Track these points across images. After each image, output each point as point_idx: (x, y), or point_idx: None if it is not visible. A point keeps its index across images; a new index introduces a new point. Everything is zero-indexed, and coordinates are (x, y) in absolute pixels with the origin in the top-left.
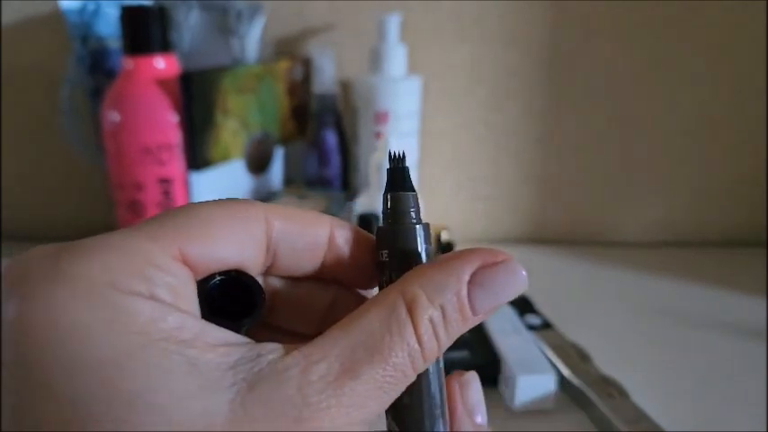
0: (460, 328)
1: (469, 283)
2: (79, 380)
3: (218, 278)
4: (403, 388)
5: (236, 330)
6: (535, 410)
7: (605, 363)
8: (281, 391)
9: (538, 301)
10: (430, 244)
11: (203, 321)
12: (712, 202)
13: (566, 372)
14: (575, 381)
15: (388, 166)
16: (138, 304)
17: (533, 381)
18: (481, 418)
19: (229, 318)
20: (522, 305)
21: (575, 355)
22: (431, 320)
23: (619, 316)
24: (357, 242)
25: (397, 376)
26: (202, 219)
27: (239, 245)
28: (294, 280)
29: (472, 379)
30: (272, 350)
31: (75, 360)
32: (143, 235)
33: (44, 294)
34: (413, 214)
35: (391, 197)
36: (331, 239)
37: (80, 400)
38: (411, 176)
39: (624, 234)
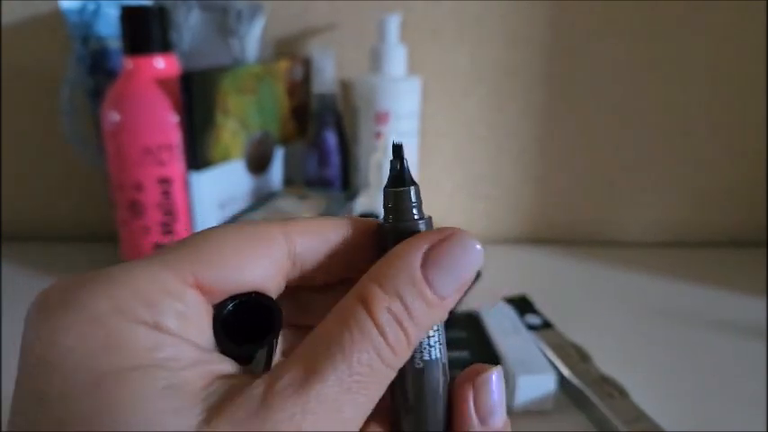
0: (429, 314)
1: (423, 266)
2: (68, 400)
3: (233, 303)
4: (380, 387)
5: (252, 352)
6: (535, 410)
7: (605, 363)
8: (246, 405)
9: (538, 301)
10: None
11: (201, 350)
12: (712, 203)
13: (565, 372)
14: (574, 381)
15: (390, 159)
16: (138, 332)
17: (533, 381)
18: (497, 419)
19: (247, 340)
20: (522, 305)
21: (575, 355)
22: (390, 311)
23: (619, 316)
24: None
25: (366, 373)
26: (216, 243)
27: (255, 266)
28: (328, 287)
29: (486, 381)
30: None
31: (66, 380)
32: (156, 262)
33: (53, 320)
34: (414, 210)
35: (391, 193)
36: (352, 240)
37: (67, 419)
38: (410, 169)
39: (624, 234)
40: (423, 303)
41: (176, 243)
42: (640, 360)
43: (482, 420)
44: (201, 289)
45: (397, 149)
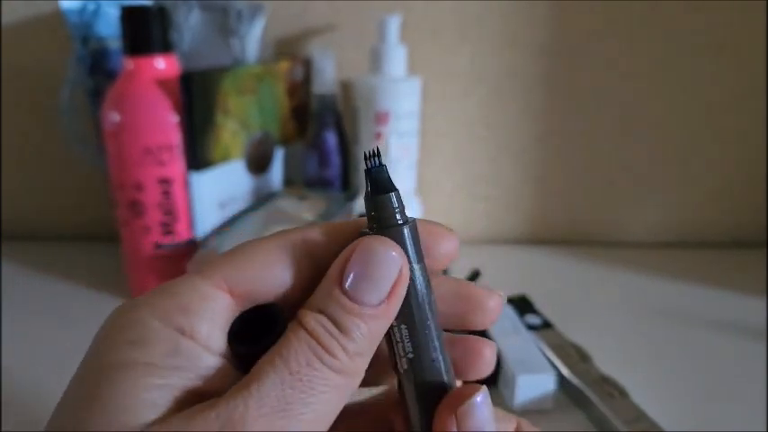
0: (360, 322)
1: (341, 280)
2: (74, 382)
3: (244, 312)
4: (335, 392)
5: (253, 354)
6: (535, 410)
7: (605, 363)
8: (196, 408)
9: (538, 301)
10: (418, 242)
11: (216, 359)
12: (713, 203)
13: (565, 371)
14: (574, 380)
15: (365, 168)
16: (165, 335)
17: (533, 380)
18: None
19: (253, 346)
20: (522, 305)
21: (575, 355)
22: (318, 323)
23: (619, 316)
24: None
25: (307, 372)
26: (249, 255)
27: (280, 277)
28: None
29: (468, 410)
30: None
31: (82, 366)
32: (197, 273)
33: (103, 336)
34: (397, 215)
35: (372, 201)
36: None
37: (63, 400)
38: (389, 173)
39: (625, 234)
40: (345, 312)
41: (218, 257)
42: (640, 360)
43: None
44: (233, 295)
45: (375, 154)
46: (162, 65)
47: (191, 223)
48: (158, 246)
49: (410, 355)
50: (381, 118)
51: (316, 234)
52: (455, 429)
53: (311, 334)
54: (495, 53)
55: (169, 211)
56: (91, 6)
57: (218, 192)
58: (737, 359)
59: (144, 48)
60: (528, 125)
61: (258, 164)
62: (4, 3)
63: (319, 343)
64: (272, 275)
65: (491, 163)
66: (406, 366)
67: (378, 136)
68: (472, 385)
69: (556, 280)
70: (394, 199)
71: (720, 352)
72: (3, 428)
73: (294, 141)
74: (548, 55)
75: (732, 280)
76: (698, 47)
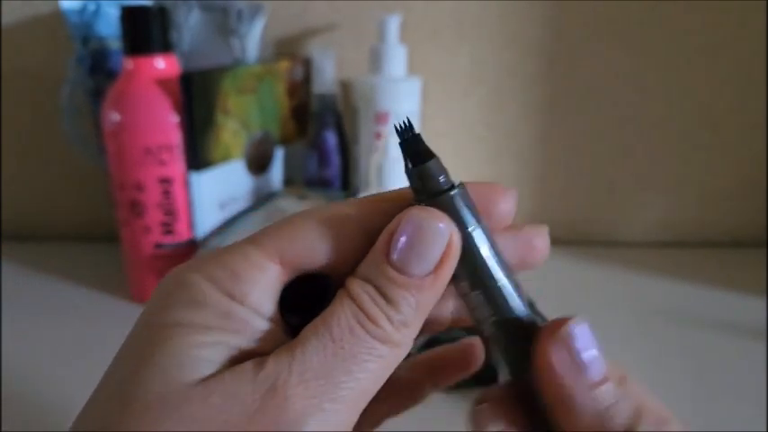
0: (408, 295)
1: (388, 251)
2: (129, 339)
3: (295, 281)
4: (380, 363)
5: (304, 321)
6: None
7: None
8: (240, 368)
9: (538, 301)
10: (472, 205)
11: (267, 324)
12: (713, 203)
13: None
14: None
15: (399, 141)
16: (217, 298)
17: None
18: (593, 373)
19: (304, 315)
20: None
21: None
22: (364, 290)
23: (619, 316)
24: None
25: (349, 339)
26: (299, 225)
27: (327, 243)
28: None
29: (565, 338)
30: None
31: (137, 327)
32: (247, 241)
33: (157, 299)
34: (441, 181)
35: (413, 173)
36: None
37: (119, 355)
38: (424, 141)
39: (624, 234)
40: (391, 284)
41: (268, 226)
42: (640, 360)
43: (573, 381)
44: (282, 264)
45: (408, 125)
46: (162, 65)
47: (191, 223)
48: (158, 246)
49: (492, 318)
50: (381, 118)
51: (365, 205)
52: (561, 355)
53: (356, 301)
54: (494, 53)
55: (169, 211)
56: (91, 6)
57: (218, 192)
58: (737, 359)
59: (144, 48)
60: (528, 125)
61: (258, 164)
62: (3, 3)
63: (363, 311)
64: (322, 246)
65: (491, 163)
66: (492, 329)
67: (378, 136)
68: (563, 317)
69: (556, 280)
70: (435, 166)
71: (720, 352)
72: (3, 428)
73: (294, 141)
74: (548, 55)
75: (732, 280)
76: (697, 47)
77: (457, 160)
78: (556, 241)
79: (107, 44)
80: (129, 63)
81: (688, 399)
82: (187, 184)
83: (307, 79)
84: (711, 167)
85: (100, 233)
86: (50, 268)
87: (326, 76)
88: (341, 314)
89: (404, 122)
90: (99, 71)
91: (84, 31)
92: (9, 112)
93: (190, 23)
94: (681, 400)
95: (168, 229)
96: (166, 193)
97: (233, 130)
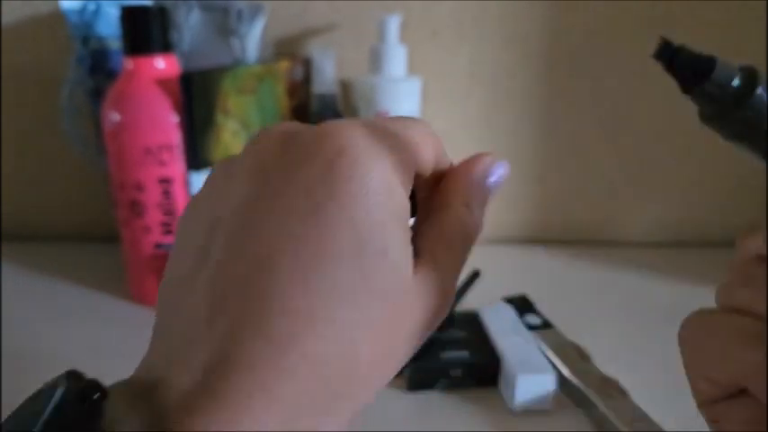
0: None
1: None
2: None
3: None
4: (467, 238)
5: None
6: (535, 410)
7: (605, 363)
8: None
9: (538, 301)
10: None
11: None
12: (713, 203)
13: (565, 372)
14: (574, 381)
15: (666, 63)
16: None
17: (533, 380)
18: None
19: None
20: (522, 305)
21: (575, 355)
22: (464, 204)
23: (619, 316)
24: None
25: (459, 218)
26: (418, 139)
27: (431, 155)
28: None
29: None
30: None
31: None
32: (404, 146)
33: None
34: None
35: (710, 83)
36: None
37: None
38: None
39: (624, 234)
40: (484, 206)
41: (394, 140)
42: (640, 360)
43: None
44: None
45: (667, 40)
46: (162, 65)
47: None
48: (158, 246)
49: None
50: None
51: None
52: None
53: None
54: (494, 53)
55: (169, 211)
56: (91, 6)
57: None
58: None
59: (144, 48)
60: (527, 125)
61: None
62: (3, 3)
63: (469, 210)
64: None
65: None
66: None
67: None
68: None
69: (556, 280)
70: (726, 66)
71: None
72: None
73: None
74: (547, 55)
75: None
76: (698, 47)
77: (457, 160)
78: (555, 241)
79: (107, 44)
80: (129, 63)
81: (688, 399)
82: (187, 185)
83: (307, 79)
84: (711, 167)
85: (100, 233)
86: (50, 268)
87: (326, 76)
88: (452, 226)
89: (663, 39)
90: (99, 71)
91: (84, 31)
92: (9, 112)
93: (190, 23)
94: (681, 399)
95: (168, 229)
96: (166, 193)
97: (233, 131)
